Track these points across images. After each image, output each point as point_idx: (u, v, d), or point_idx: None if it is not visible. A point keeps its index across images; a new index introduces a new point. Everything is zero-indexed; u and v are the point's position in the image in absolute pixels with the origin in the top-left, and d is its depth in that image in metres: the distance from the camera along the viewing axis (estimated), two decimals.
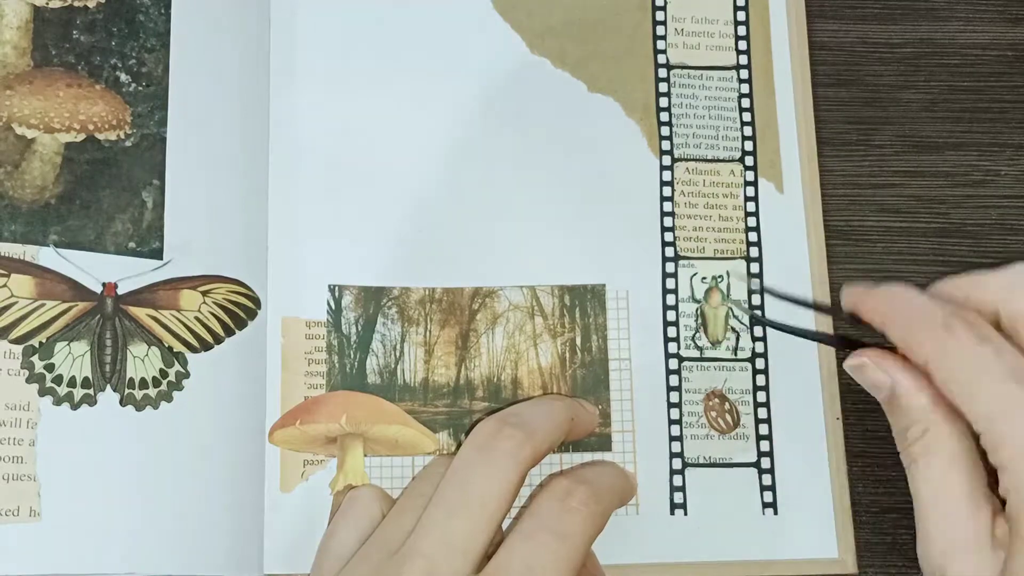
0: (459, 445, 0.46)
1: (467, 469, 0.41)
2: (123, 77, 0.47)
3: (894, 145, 0.51)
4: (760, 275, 0.49)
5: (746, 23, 0.52)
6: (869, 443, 0.48)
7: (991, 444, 0.35)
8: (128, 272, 0.45)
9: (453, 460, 0.41)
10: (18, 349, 0.43)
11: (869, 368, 0.38)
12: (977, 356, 0.35)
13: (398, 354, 0.48)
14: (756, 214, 0.50)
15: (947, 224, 0.51)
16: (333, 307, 0.48)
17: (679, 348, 0.49)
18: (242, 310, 0.47)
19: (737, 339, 0.49)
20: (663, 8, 0.52)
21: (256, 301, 0.47)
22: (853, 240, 0.50)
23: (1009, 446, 0.34)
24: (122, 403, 0.44)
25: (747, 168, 0.50)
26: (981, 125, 0.52)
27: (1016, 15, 0.53)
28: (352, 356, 0.48)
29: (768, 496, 0.47)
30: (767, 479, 0.47)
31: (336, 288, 0.48)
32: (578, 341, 0.49)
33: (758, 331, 0.49)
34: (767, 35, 0.52)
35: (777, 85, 0.51)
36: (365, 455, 0.47)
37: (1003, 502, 0.36)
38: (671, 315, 0.49)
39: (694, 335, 0.49)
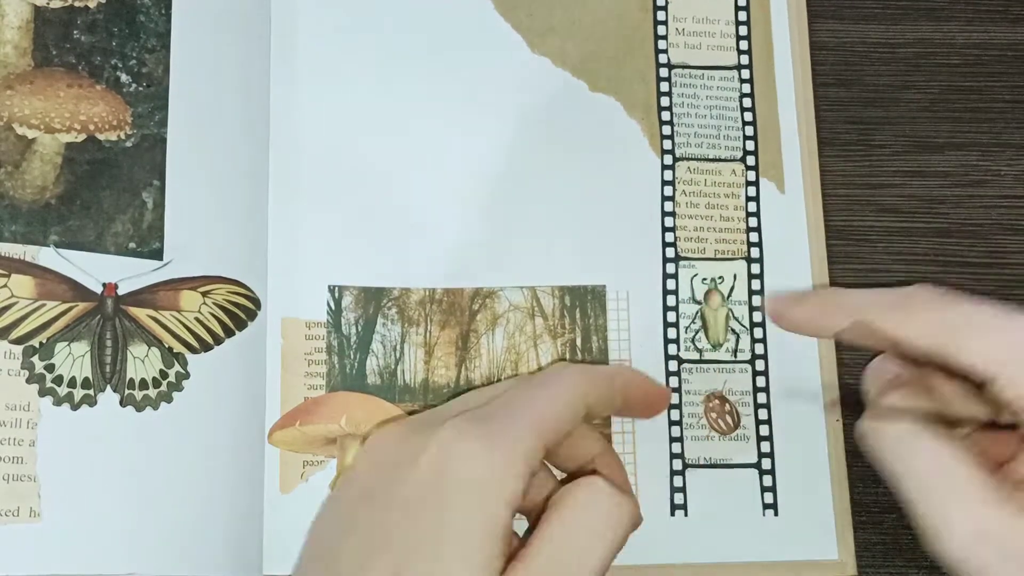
0: None
1: None
2: (124, 77, 0.47)
3: (894, 145, 0.51)
4: (761, 276, 0.49)
5: (747, 23, 0.51)
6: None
7: (1004, 383, 0.36)
8: (128, 272, 0.45)
9: None
10: (18, 349, 0.43)
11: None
12: (957, 314, 0.37)
13: (398, 355, 0.48)
14: (757, 214, 0.50)
15: (947, 224, 0.51)
16: (333, 308, 0.48)
17: (679, 350, 0.49)
18: (242, 311, 0.47)
19: (737, 341, 0.49)
20: (664, 8, 0.52)
21: (256, 302, 0.47)
22: (853, 240, 0.50)
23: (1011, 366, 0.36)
24: (122, 404, 0.44)
25: (748, 168, 0.50)
26: (981, 125, 0.52)
27: (1016, 15, 0.53)
28: (352, 357, 0.48)
29: (769, 497, 0.47)
30: (768, 480, 0.47)
31: (336, 288, 0.48)
32: (578, 342, 0.49)
33: (758, 333, 0.49)
34: (768, 35, 0.51)
35: (778, 85, 0.51)
36: None
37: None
38: (671, 316, 0.49)
39: (694, 337, 0.49)
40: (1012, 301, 0.48)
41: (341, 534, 0.39)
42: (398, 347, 0.48)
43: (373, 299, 0.48)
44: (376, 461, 0.41)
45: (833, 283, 0.49)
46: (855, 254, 0.50)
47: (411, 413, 0.47)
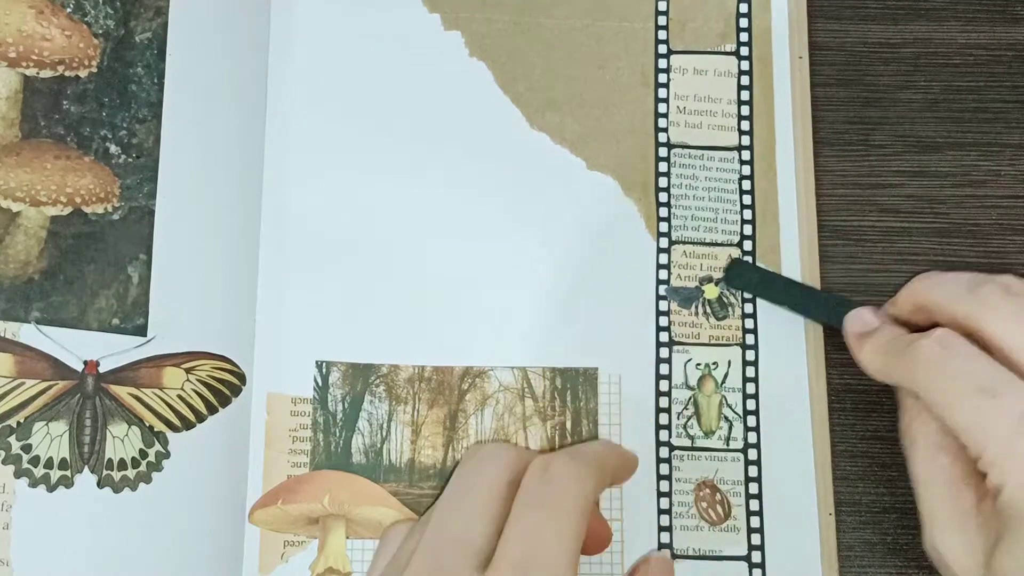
0: None
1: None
2: (113, 148, 0.46)
3: (894, 145, 0.51)
4: (756, 362, 0.48)
5: (750, 103, 0.50)
6: (869, 443, 0.48)
7: (975, 450, 0.38)
8: (111, 349, 0.45)
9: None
10: None
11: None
12: (949, 371, 0.38)
13: (384, 433, 0.47)
14: (753, 300, 0.49)
15: (947, 224, 0.50)
16: (320, 383, 0.47)
17: (670, 436, 0.48)
18: (227, 387, 0.46)
19: (730, 428, 0.48)
20: (666, 85, 0.51)
21: (241, 377, 0.47)
22: (852, 240, 0.50)
23: (991, 450, 0.37)
24: (99, 485, 0.43)
25: (745, 253, 0.49)
26: (981, 125, 0.51)
27: (1016, 15, 0.52)
28: (338, 434, 0.47)
29: None
30: (758, 574, 0.46)
31: (323, 364, 0.48)
32: (568, 425, 0.48)
33: (751, 421, 0.48)
34: (771, 116, 0.50)
35: (779, 168, 0.50)
36: (348, 537, 0.46)
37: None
38: (663, 401, 0.48)
39: (686, 423, 0.48)
40: None
41: None
42: (385, 425, 0.47)
43: (361, 376, 0.48)
44: None
45: (830, 287, 0.49)
46: (854, 254, 0.50)
47: (396, 494, 0.46)
